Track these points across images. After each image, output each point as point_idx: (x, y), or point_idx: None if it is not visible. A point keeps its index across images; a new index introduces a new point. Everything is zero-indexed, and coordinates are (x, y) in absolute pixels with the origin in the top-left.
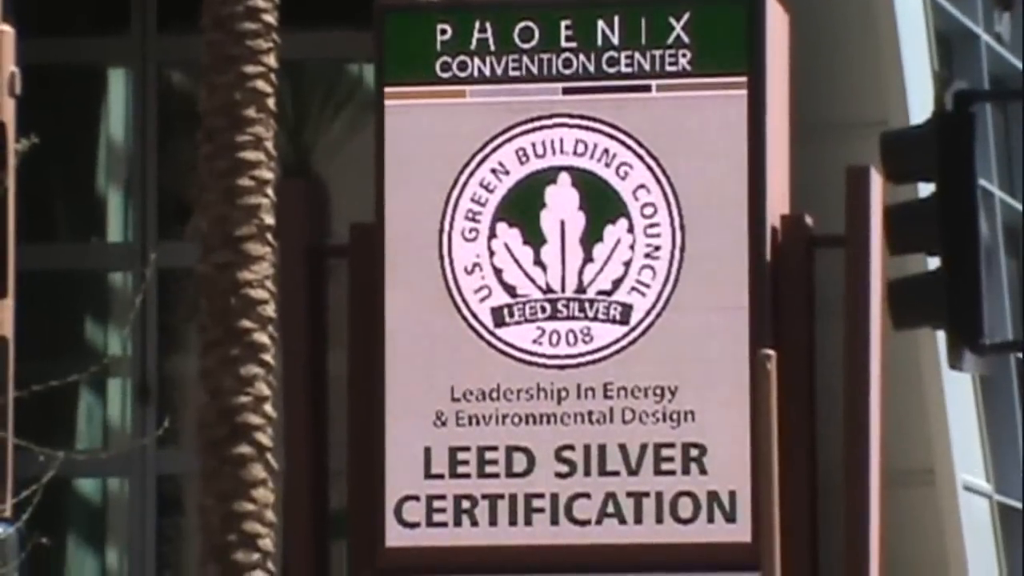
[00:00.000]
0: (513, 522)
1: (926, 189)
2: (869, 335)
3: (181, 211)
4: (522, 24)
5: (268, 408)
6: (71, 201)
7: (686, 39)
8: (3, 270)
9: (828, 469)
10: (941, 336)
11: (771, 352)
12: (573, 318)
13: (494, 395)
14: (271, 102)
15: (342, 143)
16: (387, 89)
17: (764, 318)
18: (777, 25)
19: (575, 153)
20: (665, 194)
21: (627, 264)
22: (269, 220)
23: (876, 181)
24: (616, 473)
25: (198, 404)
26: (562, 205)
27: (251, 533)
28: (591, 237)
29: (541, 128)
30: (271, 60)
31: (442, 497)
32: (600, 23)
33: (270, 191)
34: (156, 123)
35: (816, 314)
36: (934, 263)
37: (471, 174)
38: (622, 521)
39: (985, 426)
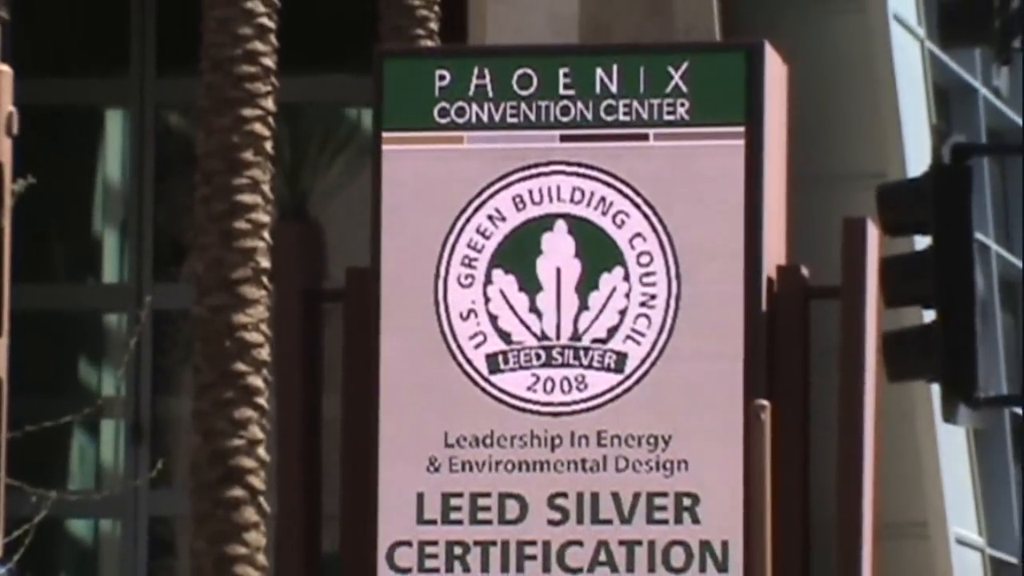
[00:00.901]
0: (505, 569)
1: (922, 242)
2: (864, 387)
3: (177, 253)
4: (521, 71)
5: (261, 452)
6: (67, 241)
7: (684, 88)
8: None
9: (821, 521)
10: (936, 389)
11: (765, 403)
12: (568, 365)
13: (487, 441)
14: (269, 145)
15: (339, 187)
16: (385, 134)
17: (759, 368)
18: (776, 75)
19: (572, 201)
20: (661, 243)
21: (622, 312)
22: (265, 263)
23: (872, 233)
24: (609, 521)
25: (191, 446)
26: (558, 252)
27: None
28: (587, 285)
29: (538, 175)
30: (269, 103)
31: (434, 543)
32: (599, 71)
33: (266, 234)
34: (153, 165)
35: (811, 365)
36: (930, 316)
37: (468, 220)
38: (614, 569)
39: (978, 480)
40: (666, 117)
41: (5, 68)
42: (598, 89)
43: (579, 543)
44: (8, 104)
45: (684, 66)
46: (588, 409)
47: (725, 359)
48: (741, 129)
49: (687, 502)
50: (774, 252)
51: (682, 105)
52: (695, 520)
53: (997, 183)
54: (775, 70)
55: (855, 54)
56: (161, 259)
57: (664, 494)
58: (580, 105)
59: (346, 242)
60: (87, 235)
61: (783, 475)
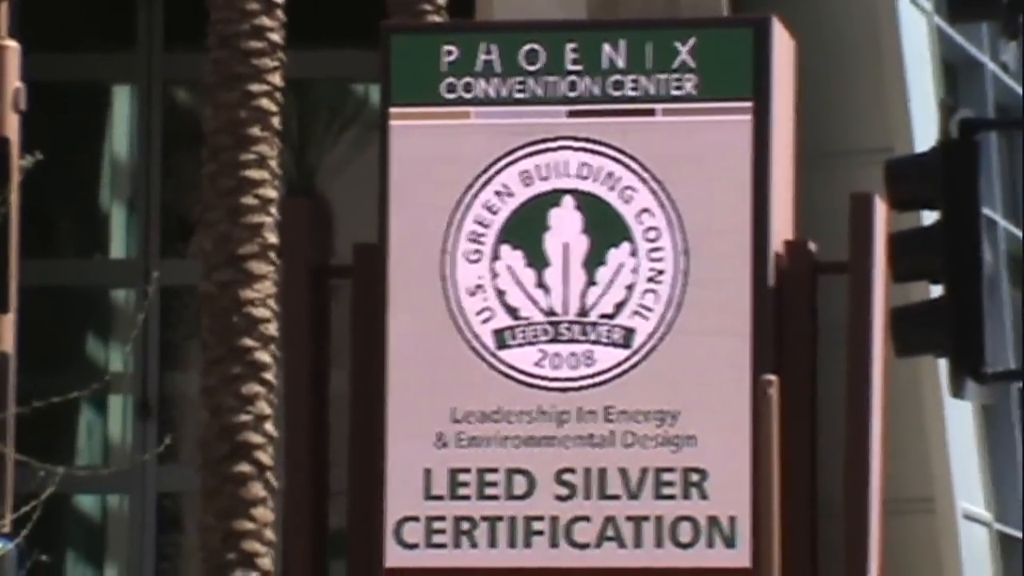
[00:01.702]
0: (512, 544)
1: (930, 217)
2: (871, 362)
3: (184, 229)
4: (528, 47)
5: (269, 427)
6: (74, 217)
7: (692, 64)
8: (5, 286)
9: (828, 496)
10: (942, 364)
11: (773, 378)
12: (575, 341)
13: (495, 417)
14: (276, 121)
15: (346, 163)
16: (392, 110)
17: (766, 344)
18: (783, 51)
19: (579, 176)
20: (669, 218)
21: (630, 288)
22: (272, 239)
23: (880, 208)
24: (616, 497)
25: (199, 422)
26: (566, 228)
27: (250, 552)
28: (594, 260)
29: (545, 151)
30: (276, 79)
31: (442, 518)
32: (606, 47)
33: (274, 210)
34: (160, 140)
35: (819, 340)
36: (937, 291)
37: (475, 196)
38: (621, 545)
39: (986, 455)
40: (673, 92)
41: (12, 43)
42: (605, 64)
43: (586, 518)
44: (15, 80)
45: (691, 42)
46: (595, 385)
47: (733, 334)
48: (748, 105)
49: (695, 477)
50: (782, 227)
51: (689, 81)
52: (703, 496)
53: (1004, 158)
54: (782, 46)
55: (862, 29)
56: (169, 235)
57: (671, 469)
58: (587, 80)
59: (353, 218)
60: (95, 211)
61: (791, 450)
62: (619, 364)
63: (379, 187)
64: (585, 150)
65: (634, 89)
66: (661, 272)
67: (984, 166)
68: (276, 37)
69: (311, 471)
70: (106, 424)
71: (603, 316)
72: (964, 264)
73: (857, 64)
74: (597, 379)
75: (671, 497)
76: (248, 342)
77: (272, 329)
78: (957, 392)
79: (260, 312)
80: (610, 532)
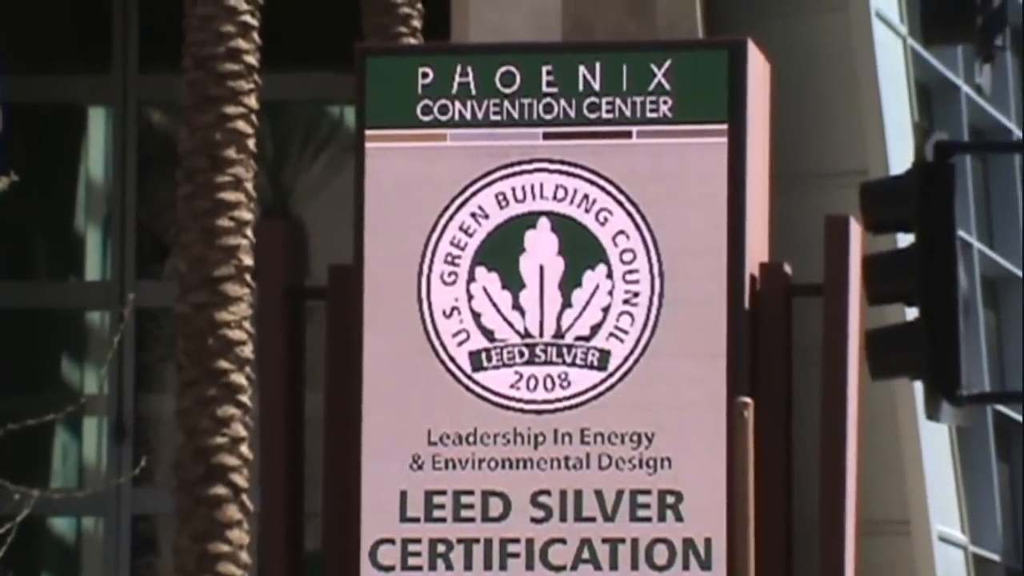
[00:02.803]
0: (488, 566)
1: (905, 239)
2: (846, 384)
3: (160, 251)
4: (504, 69)
5: (244, 449)
6: (49, 239)
7: (667, 86)
8: None
9: (804, 517)
10: (918, 387)
11: (748, 400)
12: (551, 363)
13: (471, 439)
14: (251, 143)
15: (322, 184)
16: (368, 132)
17: (741, 366)
18: (758, 73)
19: (555, 198)
20: (644, 240)
21: (605, 310)
22: (248, 261)
23: (855, 230)
24: (592, 519)
25: (174, 444)
26: (541, 250)
27: (226, 574)
28: (570, 282)
29: (521, 173)
30: (252, 101)
31: (417, 541)
32: (582, 69)
33: (249, 232)
34: (136, 162)
35: (794, 363)
36: (912, 313)
37: (451, 218)
38: (597, 567)
39: (961, 477)
40: (649, 115)
41: None
42: (581, 87)
43: (562, 541)
44: None
45: (667, 64)
46: (571, 407)
47: (708, 356)
48: (724, 127)
49: (670, 500)
50: (757, 250)
51: (665, 103)
52: (678, 518)
53: (979, 181)
54: (758, 68)
55: (837, 52)
56: (144, 257)
57: (647, 492)
58: (563, 103)
59: (329, 239)
60: (70, 232)
61: (766, 473)
62: (595, 386)
63: (355, 209)
64: (561, 172)
65: (609, 111)
66: (637, 294)
67: (959, 189)
68: (251, 59)
69: (286, 493)
70: (81, 446)
71: (579, 338)
72: (939, 287)
73: (832, 86)
74: (573, 401)
75: (647, 519)
76: (223, 364)
77: (247, 351)
78: (933, 415)
79: (235, 334)
80: (586, 555)
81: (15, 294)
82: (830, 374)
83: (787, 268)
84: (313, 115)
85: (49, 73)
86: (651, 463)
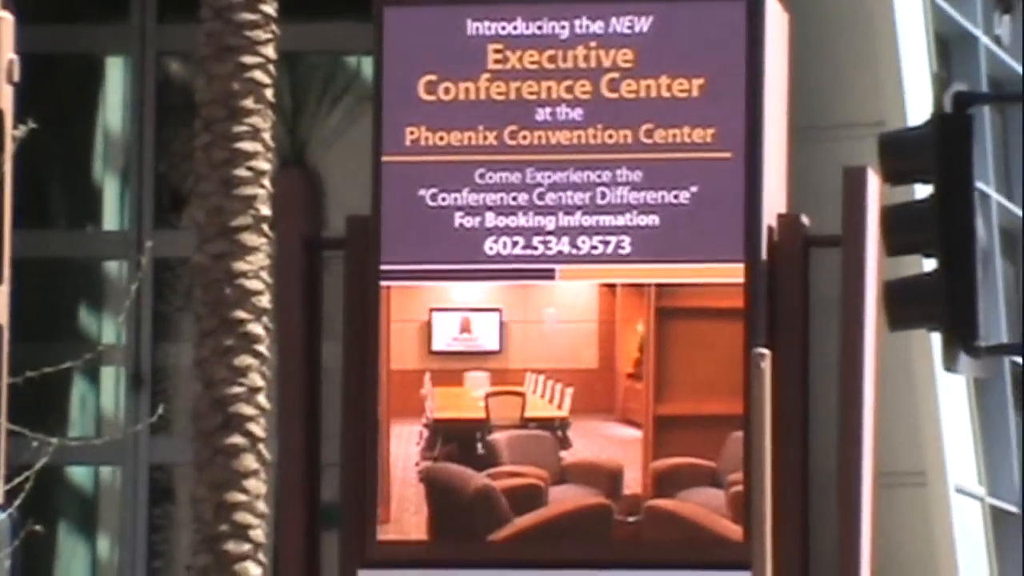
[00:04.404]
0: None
1: (923, 191)
2: (864, 335)
3: (177, 200)
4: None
5: (261, 399)
6: (67, 188)
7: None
8: None
9: (820, 469)
10: (935, 338)
11: (765, 351)
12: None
13: None
14: (269, 93)
15: (338, 135)
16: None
17: (759, 317)
18: (776, 25)
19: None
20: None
21: None
22: (265, 211)
23: (873, 182)
24: None
25: (191, 394)
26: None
27: (243, 524)
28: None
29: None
30: (269, 51)
31: None
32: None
33: (267, 182)
34: (154, 112)
35: (811, 314)
36: (930, 264)
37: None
38: None
39: (979, 429)
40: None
41: (5, 15)
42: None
43: None
44: (8, 51)
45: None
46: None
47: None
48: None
49: None
50: (774, 201)
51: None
52: None
53: (998, 132)
54: (776, 20)
55: (855, 2)
56: (161, 206)
57: None
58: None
59: (345, 190)
60: (87, 182)
61: (783, 423)
62: None
63: (372, 160)
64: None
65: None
66: None
67: (977, 140)
68: (269, 9)
69: (303, 443)
70: (99, 395)
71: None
72: (958, 238)
73: (850, 38)
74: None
75: None
76: (241, 314)
77: (265, 301)
78: (950, 366)
79: (253, 284)
80: None
81: (33, 243)
82: (848, 325)
83: (805, 219)
84: (330, 65)
85: (67, 22)
86: None
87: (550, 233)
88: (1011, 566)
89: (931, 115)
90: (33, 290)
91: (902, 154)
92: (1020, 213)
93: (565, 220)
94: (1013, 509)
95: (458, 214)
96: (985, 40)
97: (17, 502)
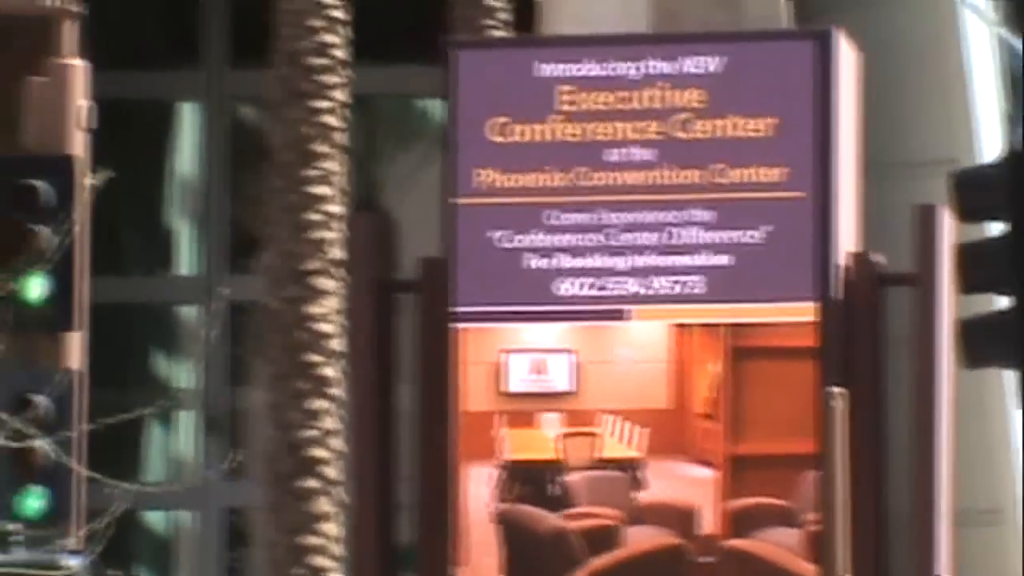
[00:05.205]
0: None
1: (996, 228)
2: (938, 373)
3: (250, 245)
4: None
5: (335, 442)
6: (141, 234)
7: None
8: (73, 304)
9: (896, 508)
10: (1007, 375)
11: (839, 390)
12: None
13: None
14: (341, 137)
15: (411, 178)
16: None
17: (832, 356)
18: (847, 63)
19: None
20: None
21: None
22: (337, 255)
23: (945, 219)
24: None
25: (265, 438)
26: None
27: (317, 567)
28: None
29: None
30: (341, 95)
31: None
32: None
33: (338, 226)
34: (226, 157)
35: (886, 352)
36: (1002, 302)
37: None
38: None
39: None
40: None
41: (78, 62)
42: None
43: None
44: (81, 97)
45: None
46: None
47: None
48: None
49: None
50: (847, 239)
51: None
52: None
53: None
54: (846, 57)
55: (925, 40)
56: (234, 251)
57: None
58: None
59: (418, 232)
60: (161, 228)
61: (859, 462)
62: None
63: (442, 201)
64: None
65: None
66: None
67: None
68: (341, 54)
69: (378, 485)
70: (174, 440)
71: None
72: None
73: (920, 75)
74: None
75: None
76: (313, 357)
77: (337, 344)
78: None
79: (325, 327)
80: None
81: (108, 289)
82: (922, 363)
83: (878, 257)
84: (402, 109)
85: (140, 69)
86: None
87: (622, 274)
88: None
89: (1004, 152)
90: (109, 336)
91: (975, 191)
92: None
93: (637, 261)
94: None
95: (529, 255)
96: None
97: (98, 548)
